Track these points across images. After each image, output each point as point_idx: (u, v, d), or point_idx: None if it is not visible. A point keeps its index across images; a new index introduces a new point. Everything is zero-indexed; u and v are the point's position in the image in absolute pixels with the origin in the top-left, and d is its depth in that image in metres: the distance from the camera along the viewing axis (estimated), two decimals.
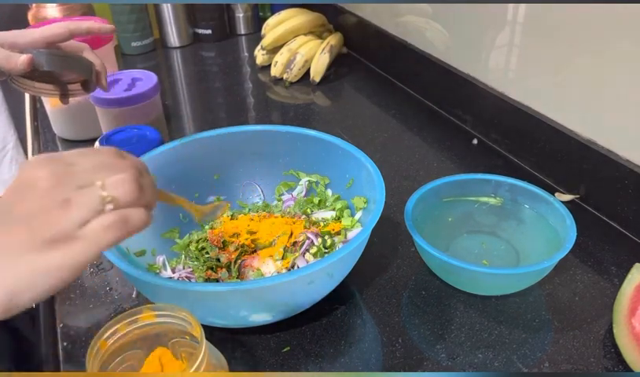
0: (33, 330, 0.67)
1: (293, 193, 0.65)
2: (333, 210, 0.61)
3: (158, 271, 0.56)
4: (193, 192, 0.64)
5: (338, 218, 0.60)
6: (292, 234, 0.57)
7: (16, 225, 0.32)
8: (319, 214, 0.61)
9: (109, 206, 0.33)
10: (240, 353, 0.50)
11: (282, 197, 0.66)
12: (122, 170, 0.35)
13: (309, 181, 0.65)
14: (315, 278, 0.46)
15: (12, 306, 0.32)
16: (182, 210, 0.62)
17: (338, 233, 0.58)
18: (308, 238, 0.56)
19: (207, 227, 0.62)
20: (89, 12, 1.12)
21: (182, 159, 0.62)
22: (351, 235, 0.58)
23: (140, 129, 0.67)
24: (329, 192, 0.64)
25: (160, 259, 0.57)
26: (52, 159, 0.34)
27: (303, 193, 0.65)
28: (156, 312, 0.40)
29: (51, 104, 0.86)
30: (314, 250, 0.55)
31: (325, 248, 0.57)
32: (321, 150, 0.62)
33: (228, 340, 0.51)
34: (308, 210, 0.63)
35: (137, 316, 0.40)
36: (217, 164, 0.65)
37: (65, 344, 0.52)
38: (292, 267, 0.54)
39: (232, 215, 0.63)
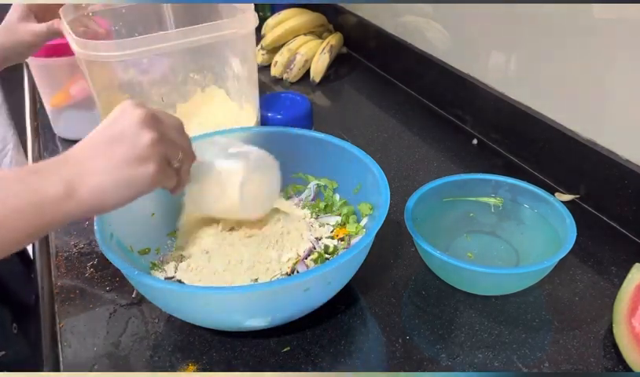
0: (33, 328, 0.68)
1: (301, 196, 0.65)
2: (339, 215, 0.61)
3: (160, 270, 0.56)
4: None
5: (344, 224, 0.60)
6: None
7: (118, 142, 0.41)
8: (324, 219, 0.61)
9: (176, 164, 0.45)
10: (240, 353, 0.50)
11: (290, 200, 0.65)
12: (187, 144, 0.47)
13: (317, 184, 0.64)
14: (311, 285, 0.46)
15: (99, 206, 0.41)
16: None
17: (342, 239, 0.58)
18: (310, 243, 0.56)
19: None
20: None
21: None
22: (354, 241, 0.57)
23: (293, 96, 0.86)
24: (337, 196, 0.63)
25: (163, 258, 0.57)
26: (143, 104, 0.44)
27: (312, 197, 0.64)
28: None
29: (51, 104, 0.86)
30: (314, 255, 0.55)
31: (328, 254, 0.56)
32: (330, 154, 0.62)
33: (228, 340, 0.51)
34: (314, 214, 0.62)
35: None
36: None
37: (65, 344, 0.52)
38: (293, 272, 0.54)
39: None
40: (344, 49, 1.19)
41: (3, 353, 0.70)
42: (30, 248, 0.85)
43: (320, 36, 1.16)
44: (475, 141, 0.84)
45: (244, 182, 0.53)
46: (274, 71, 1.08)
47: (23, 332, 0.76)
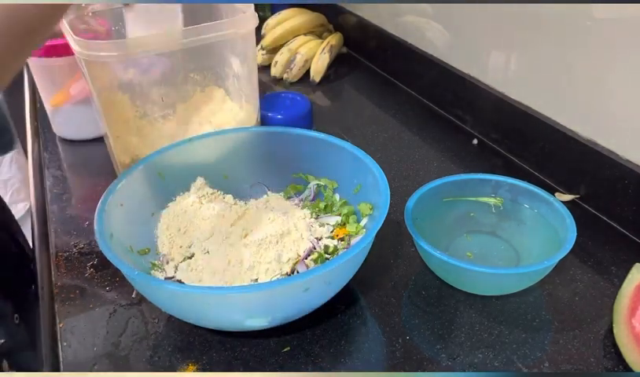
0: (34, 320, 0.68)
1: (301, 196, 0.65)
2: (339, 215, 0.61)
3: (160, 270, 0.56)
4: None
5: (344, 224, 0.60)
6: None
7: None
8: (324, 219, 0.61)
9: None
10: (240, 353, 0.50)
11: (290, 200, 0.65)
12: None
13: (317, 184, 0.64)
14: (311, 285, 0.46)
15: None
16: None
17: (342, 239, 0.58)
18: (310, 243, 0.56)
19: None
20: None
21: (191, 158, 0.62)
22: (354, 241, 0.57)
23: (293, 96, 0.86)
24: (337, 196, 0.63)
25: (163, 258, 0.57)
26: None
27: (312, 197, 0.64)
28: None
29: (51, 103, 0.86)
30: (314, 255, 0.55)
31: (328, 254, 0.56)
32: (330, 154, 0.62)
33: (228, 340, 0.51)
34: (314, 214, 0.62)
35: None
36: (226, 164, 0.65)
37: (65, 344, 0.52)
38: (293, 272, 0.54)
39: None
40: (344, 49, 1.19)
41: (3, 340, 0.70)
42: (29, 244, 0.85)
43: (320, 36, 1.16)
44: (475, 141, 0.84)
45: None
46: (274, 71, 1.08)
47: (25, 323, 0.76)
